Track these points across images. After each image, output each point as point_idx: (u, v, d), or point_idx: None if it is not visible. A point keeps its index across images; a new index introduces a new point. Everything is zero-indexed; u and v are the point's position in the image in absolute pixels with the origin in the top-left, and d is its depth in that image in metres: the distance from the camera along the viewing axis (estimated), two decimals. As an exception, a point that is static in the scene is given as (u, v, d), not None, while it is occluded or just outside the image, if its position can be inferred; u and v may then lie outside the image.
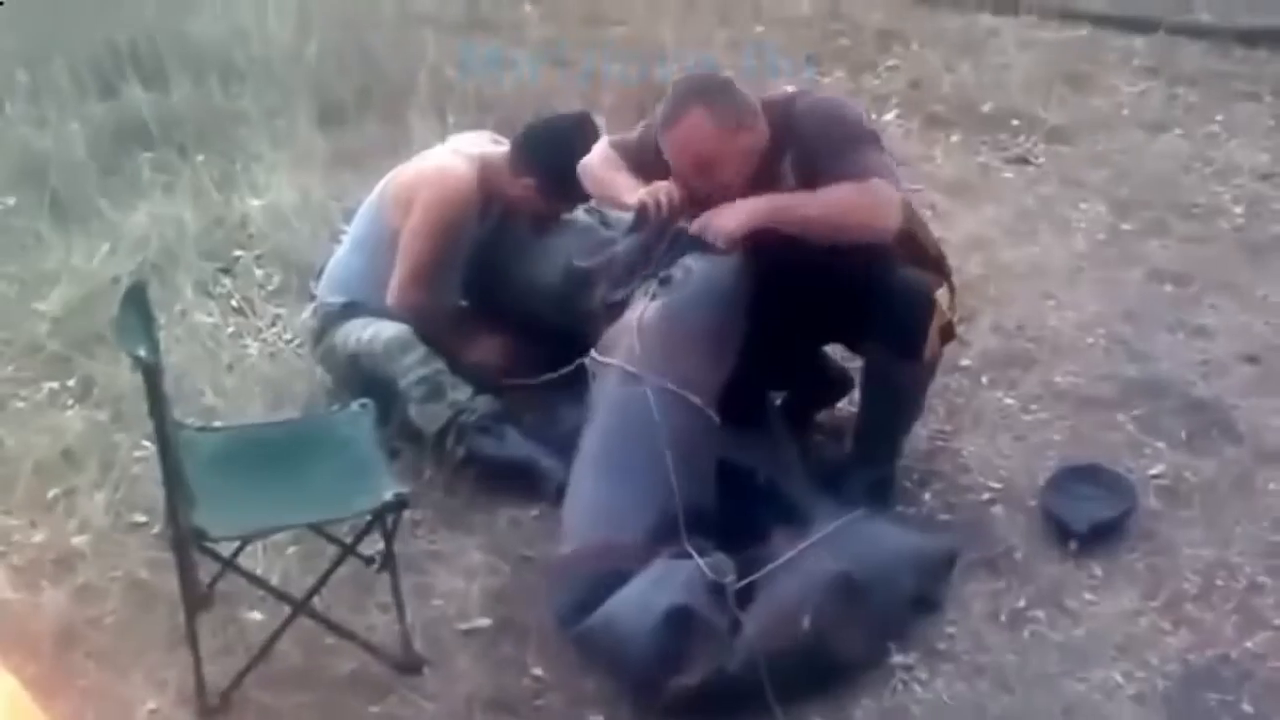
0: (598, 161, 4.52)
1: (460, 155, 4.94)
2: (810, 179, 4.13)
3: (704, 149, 4.16)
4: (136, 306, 3.59)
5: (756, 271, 4.21)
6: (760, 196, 4.13)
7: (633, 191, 4.30)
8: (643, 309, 4.15)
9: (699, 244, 4.16)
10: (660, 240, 4.24)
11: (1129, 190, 6.61)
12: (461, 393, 4.62)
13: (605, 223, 4.98)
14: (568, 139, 4.75)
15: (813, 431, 4.84)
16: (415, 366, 4.61)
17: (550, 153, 4.80)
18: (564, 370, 4.41)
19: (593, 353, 4.22)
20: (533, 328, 4.89)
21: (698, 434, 4.05)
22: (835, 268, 4.07)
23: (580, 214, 5.04)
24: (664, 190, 4.20)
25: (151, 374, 3.37)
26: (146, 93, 7.39)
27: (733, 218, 4.10)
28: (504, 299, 5.01)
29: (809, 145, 4.18)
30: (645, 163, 4.40)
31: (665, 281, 4.17)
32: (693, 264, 4.18)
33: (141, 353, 3.34)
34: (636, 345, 4.07)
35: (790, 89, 4.41)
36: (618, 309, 4.25)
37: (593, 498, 4.01)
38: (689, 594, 3.66)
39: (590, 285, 4.41)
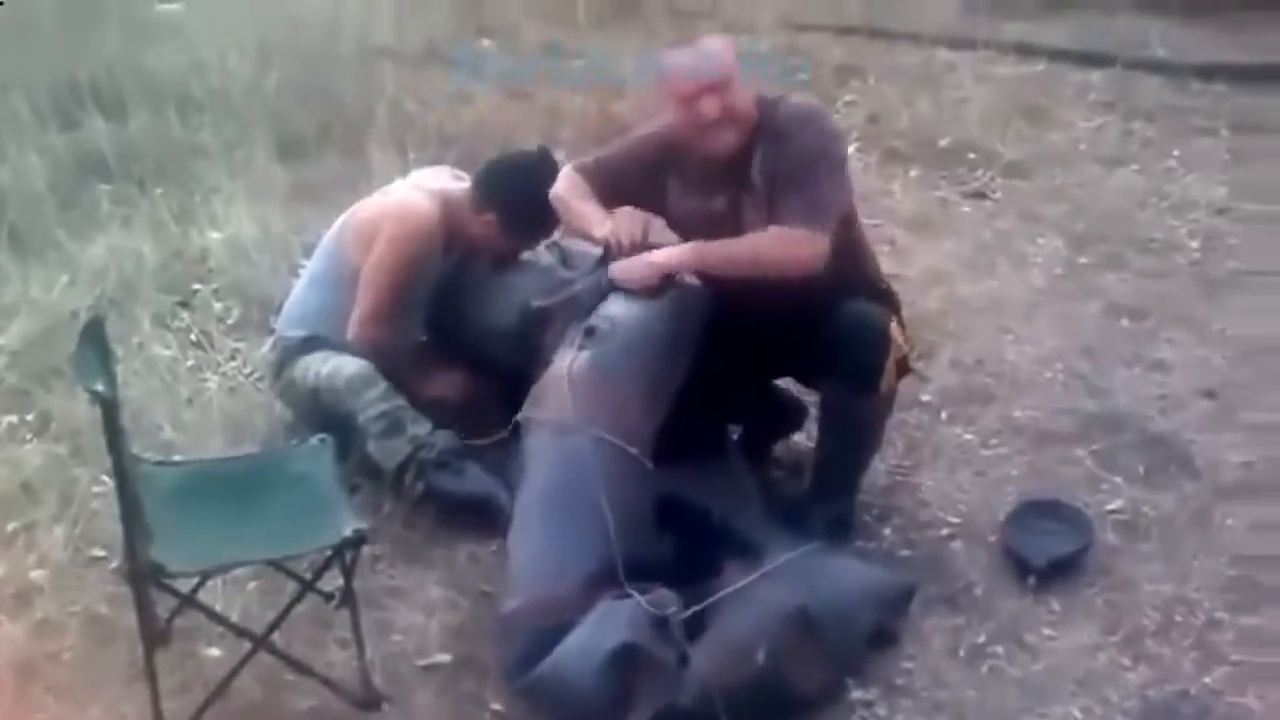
0: (564, 190, 4.53)
1: (423, 191, 4.93)
2: (770, 185, 4.18)
3: (720, 64, 4.21)
4: (94, 341, 3.58)
5: (707, 308, 4.27)
6: (680, 246, 4.22)
7: (601, 224, 4.34)
8: (571, 360, 4.16)
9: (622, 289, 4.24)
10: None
11: (1086, 225, 6.65)
12: (421, 428, 4.61)
13: (566, 262, 4.99)
14: (529, 174, 4.76)
15: (771, 466, 4.84)
16: (375, 402, 4.60)
17: (512, 188, 4.81)
18: (501, 435, 4.41)
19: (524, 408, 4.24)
20: (491, 367, 4.89)
21: (634, 481, 4.04)
22: (787, 304, 4.09)
23: (542, 251, 5.05)
24: (625, 228, 4.25)
25: (109, 410, 3.35)
26: (106, 125, 7.39)
27: (650, 265, 4.18)
28: (463, 338, 5.00)
29: (778, 153, 4.20)
30: (609, 185, 4.47)
31: (590, 333, 4.18)
32: (618, 312, 4.20)
33: (99, 388, 3.32)
34: (568, 397, 4.08)
35: (781, 95, 4.42)
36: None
37: (532, 552, 3.99)
38: (633, 631, 3.65)
39: (550, 324, 4.42)
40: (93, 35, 8.46)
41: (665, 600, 3.77)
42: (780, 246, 4.09)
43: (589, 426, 4.01)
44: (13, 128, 7.27)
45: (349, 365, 4.67)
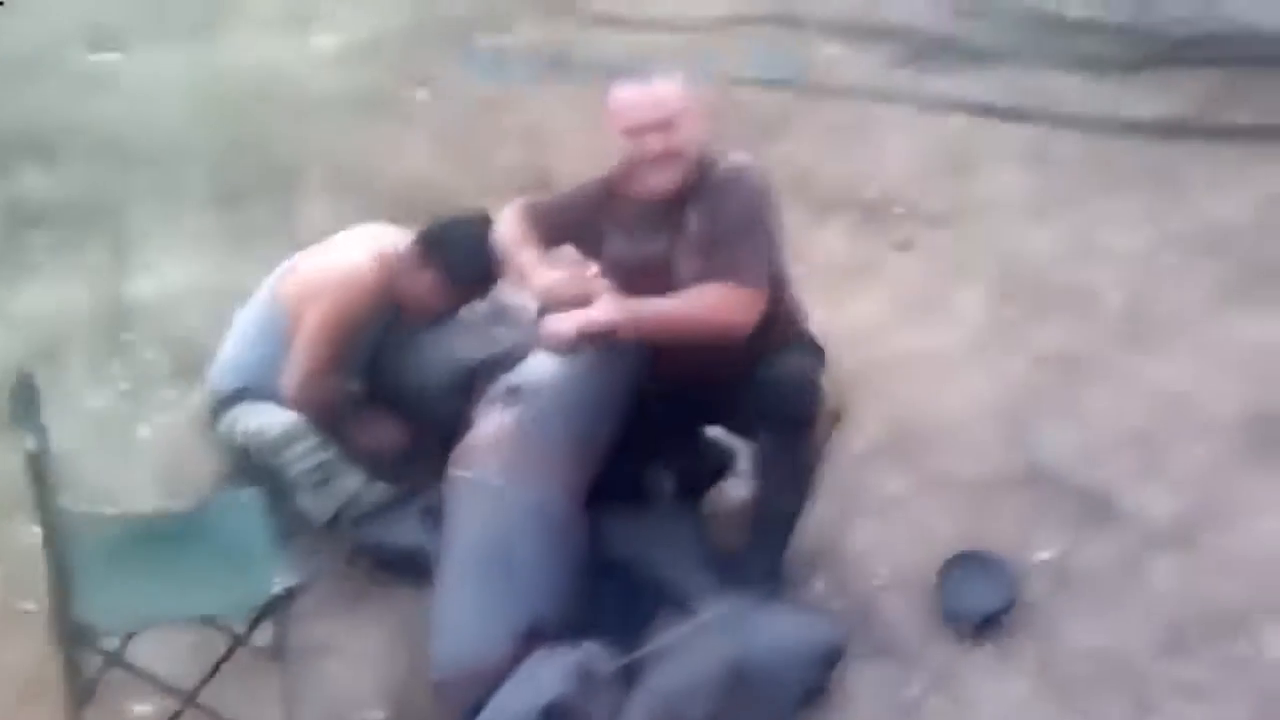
0: (507, 233, 4.55)
1: (364, 250, 4.88)
2: (705, 240, 4.20)
3: (668, 100, 4.22)
4: (25, 393, 3.57)
5: (636, 359, 4.28)
6: (612, 302, 4.18)
7: (540, 275, 4.36)
8: (497, 417, 4.16)
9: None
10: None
11: (1010, 276, 6.65)
12: (353, 480, 4.61)
13: (501, 317, 4.98)
14: (472, 233, 4.74)
15: (705, 516, 4.84)
16: (305, 455, 4.59)
17: (455, 247, 4.79)
18: (433, 502, 4.42)
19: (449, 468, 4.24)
20: (424, 422, 4.88)
21: (564, 536, 4.07)
22: (715, 356, 4.11)
23: (479, 307, 5.03)
24: (562, 283, 4.27)
25: (38, 464, 3.35)
26: (38, 172, 7.34)
27: (579, 323, 4.16)
28: (397, 395, 4.98)
29: (715, 209, 4.22)
30: (552, 226, 4.51)
31: (514, 391, 4.20)
32: (544, 368, 4.23)
33: (30, 442, 3.32)
34: (494, 455, 4.09)
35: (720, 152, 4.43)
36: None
37: (458, 619, 3.96)
38: (563, 686, 3.67)
39: (484, 381, 4.43)
40: (25, 81, 8.42)
41: (596, 655, 3.78)
42: (712, 307, 4.10)
43: (516, 484, 4.02)
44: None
45: (278, 420, 4.65)
